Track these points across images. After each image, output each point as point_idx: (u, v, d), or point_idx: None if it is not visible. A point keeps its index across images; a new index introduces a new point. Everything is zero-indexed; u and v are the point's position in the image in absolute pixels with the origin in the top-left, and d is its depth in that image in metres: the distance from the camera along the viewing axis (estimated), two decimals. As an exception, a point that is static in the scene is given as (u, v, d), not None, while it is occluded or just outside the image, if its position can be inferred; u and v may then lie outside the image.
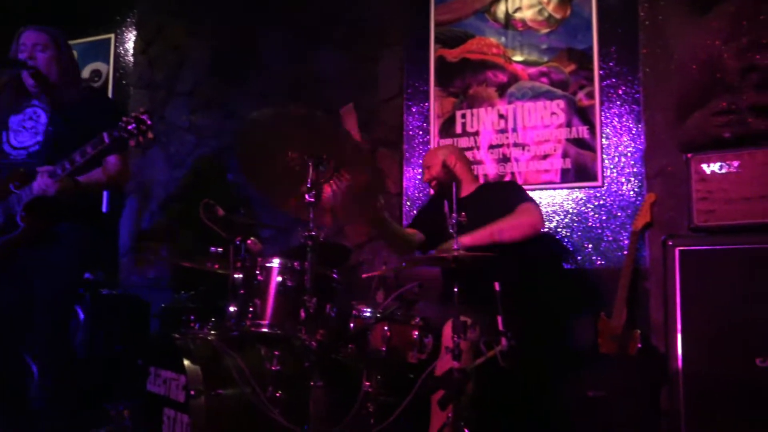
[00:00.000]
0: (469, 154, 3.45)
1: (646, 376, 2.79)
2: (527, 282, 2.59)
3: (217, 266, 2.70)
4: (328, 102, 4.00)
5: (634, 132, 3.27)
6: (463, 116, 3.66)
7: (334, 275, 2.55)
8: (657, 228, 3.00)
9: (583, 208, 3.34)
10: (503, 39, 3.62)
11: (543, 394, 2.75)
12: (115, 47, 4.66)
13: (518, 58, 3.57)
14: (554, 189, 3.41)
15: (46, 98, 2.63)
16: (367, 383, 2.50)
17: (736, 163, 2.68)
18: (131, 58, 4.64)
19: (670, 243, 2.66)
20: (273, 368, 2.34)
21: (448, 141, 3.65)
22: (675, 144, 2.98)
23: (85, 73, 4.63)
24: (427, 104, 3.76)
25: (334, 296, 2.54)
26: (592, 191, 3.33)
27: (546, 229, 3.39)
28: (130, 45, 4.65)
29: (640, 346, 2.84)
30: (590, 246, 3.30)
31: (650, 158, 3.14)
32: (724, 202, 2.67)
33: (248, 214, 2.81)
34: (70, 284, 2.61)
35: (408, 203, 3.75)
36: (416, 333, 2.46)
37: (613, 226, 3.26)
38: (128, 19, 4.67)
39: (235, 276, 2.47)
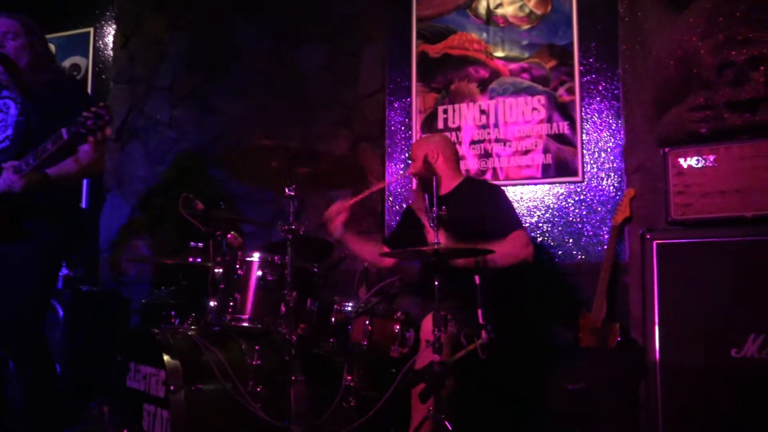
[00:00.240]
0: (451, 150, 3.45)
1: (625, 369, 2.81)
2: (507, 276, 2.60)
3: (198, 260, 2.68)
4: (308, 96, 3.99)
5: (613, 128, 3.30)
6: (445, 112, 3.67)
7: (315, 269, 2.55)
8: (636, 223, 3.03)
9: (564, 203, 3.37)
10: (485, 35, 3.63)
11: (523, 387, 2.77)
12: (95, 41, 4.60)
13: (499, 54, 3.59)
14: (535, 184, 3.43)
15: (16, 88, 2.56)
16: (349, 377, 2.51)
17: (712, 158, 2.72)
18: (111, 53, 4.58)
19: (648, 236, 2.69)
20: (254, 363, 2.34)
21: (431, 136, 3.65)
22: (653, 139, 3.01)
23: (64, 67, 4.56)
24: (409, 99, 3.77)
25: (315, 290, 2.54)
26: (572, 186, 3.36)
27: (527, 224, 3.42)
28: (109, 39, 4.60)
29: (619, 339, 2.87)
30: (571, 241, 3.32)
31: (630, 154, 3.17)
32: (701, 195, 2.71)
33: (229, 209, 2.79)
34: (42, 281, 2.53)
35: (390, 198, 3.76)
36: (398, 327, 2.47)
37: (594, 221, 3.29)
38: (107, 13, 4.61)
39: (216, 270, 2.46)
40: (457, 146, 3.57)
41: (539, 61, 3.50)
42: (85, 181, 4.36)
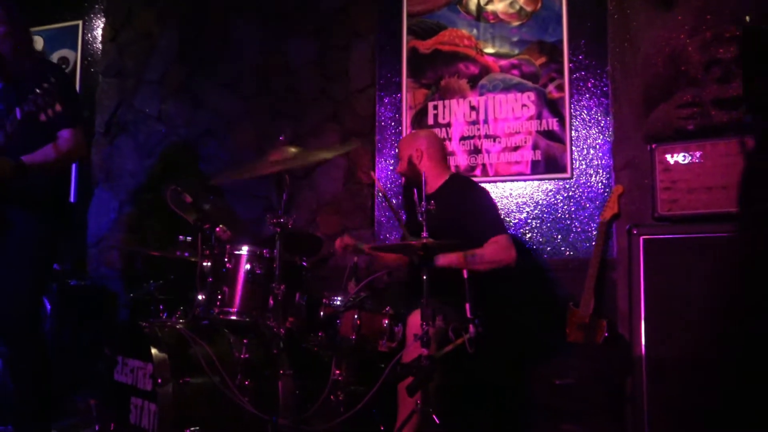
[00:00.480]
0: (440, 146, 3.45)
1: (612, 365, 2.84)
2: (495, 271, 2.61)
3: (186, 254, 2.67)
4: (298, 91, 3.98)
5: (602, 124, 3.32)
6: (435, 107, 3.68)
7: (304, 263, 2.55)
8: (625, 219, 3.05)
9: (553, 199, 3.38)
10: (475, 31, 3.64)
11: (510, 381, 2.78)
12: (83, 34, 4.56)
13: (490, 50, 3.59)
14: (524, 180, 3.45)
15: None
16: (337, 371, 2.52)
17: (698, 154, 2.74)
18: (100, 46, 4.55)
19: (635, 232, 2.71)
20: (242, 356, 2.34)
21: (421, 132, 3.66)
22: (642, 136, 3.03)
23: (53, 60, 4.52)
24: (399, 95, 3.77)
25: (303, 284, 2.54)
26: (561, 183, 3.38)
27: (516, 220, 3.43)
28: (98, 32, 4.56)
29: (607, 335, 2.88)
30: (559, 237, 3.34)
31: (618, 150, 3.19)
32: (687, 191, 2.73)
33: (218, 202, 2.78)
34: (30, 274, 2.51)
35: (380, 194, 3.76)
36: (386, 321, 2.48)
37: (582, 217, 3.31)
38: (97, 6, 4.58)
39: (204, 264, 2.45)
40: (447, 142, 3.59)
41: (529, 58, 3.51)
42: (73, 175, 4.34)
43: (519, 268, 3.30)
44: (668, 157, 2.79)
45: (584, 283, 2.98)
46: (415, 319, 2.35)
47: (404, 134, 3.70)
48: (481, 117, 3.57)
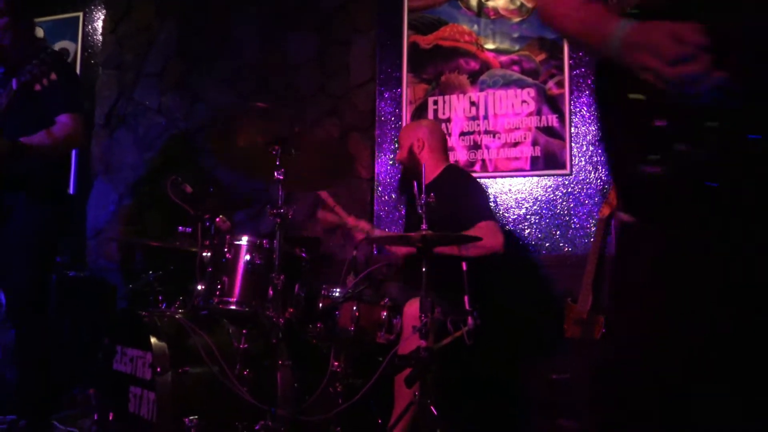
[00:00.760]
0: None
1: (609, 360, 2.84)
2: (490, 262, 2.62)
3: (185, 245, 2.67)
4: (298, 86, 3.99)
5: (601, 121, 3.33)
6: (435, 103, 3.69)
7: (303, 255, 2.56)
8: (623, 215, 3.05)
9: (552, 195, 3.39)
10: (475, 27, 3.64)
11: (507, 375, 2.79)
12: (84, 26, 4.55)
13: (490, 46, 3.60)
14: (524, 176, 3.46)
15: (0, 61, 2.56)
16: (335, 363, 2.53)
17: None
18: (100, 38, 4.55)
19: (633, 228, 2.71)
20: (241, 346, 2.34)
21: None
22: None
23: (53, 51, 4.52)
24: (399, 90, 3.78)
25: (303, 276, 2.55)
26: (560, 179, 3.39)
27: (515, 216, 3.44)
28: (98, 24, 4.56)
29: (604, 330, 2.89)
30: (558, 233, 3.35)
31: (617, 147, 3.19)
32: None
33: (218, 194, 2.79)
34: (34, 262, 2.53)
35: (380, 188, 3.77)
36: (384, 313, 2.49)
37: (581, 213, 3.32)
38: (97, -3, 4.58)
39: (204, 254, 2.45)
40: (447, 137, 3.59)
41: (529, 54, 3.52)
42: (73, 167, 4.34)
43: (517, 263, 3.32)
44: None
45: (582, 279, 2.99)
46: (412, 310, 2.36)
47: (404, 130, 3.70)
48: (481, 113, 3.58)
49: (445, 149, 3.05)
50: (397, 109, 3.77)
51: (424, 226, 2.26)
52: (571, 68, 3.42)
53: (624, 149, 1.06)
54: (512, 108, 3.52)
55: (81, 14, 4.55)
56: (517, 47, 3.54)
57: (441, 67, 3.69)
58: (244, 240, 2.42)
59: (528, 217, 3.42)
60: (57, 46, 4.55)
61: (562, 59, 3.44)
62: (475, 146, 3.58)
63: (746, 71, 0.91)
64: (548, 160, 3.41)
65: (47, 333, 2.57)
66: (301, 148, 2.38)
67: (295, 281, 2.47)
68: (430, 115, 3.68)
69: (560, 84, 3.43)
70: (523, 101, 3.50)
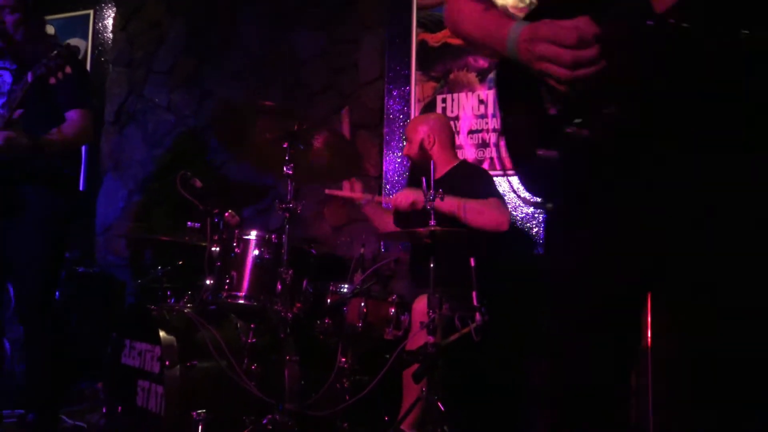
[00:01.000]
0: (449, 139, 3.46)
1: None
2: (500, 260, 2.62)
3: (194, 240, 2.69)
4: (306, 83, 3.99)
5: (610, 119, 3.31)
6: (444, 101, 3.68)
7: (312, 251, 2.56)
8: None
9: (560, 193, 3.38)
10: (485, 24, 3.63)
11: (515, 371, 2.79)
12: (94, 23, 4.58)
13: (499, 43, 3.59)
14: (532, 174, 3.44)
15: (11, 59, 2.57)
16: (343, 359, 2.53)
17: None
18: (110, 35, 4.57)
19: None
20: (249, 341, 2.35)
21: (429, 124, 3.66)
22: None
23: (63, 49, 4.56)
24: (408, 88, 3.77)
25: (311, 271, 2.55)
26: (569, 177, 3.37)
27: (523, 214, 3.43)
28: (109, 21, 4.58)
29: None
30: (566, 231, 3.34)
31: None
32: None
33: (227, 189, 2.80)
34: (46, 253, 2.54)
35: (388, 186, 3.77)
36: (392, 310, 2.49)
37: (589, 211, 3.30)
38: (107, -5, 4.61)
39: (213, 249, 2.46)
40: (455, 135, 3.58)
41: (538, 52, 3.50)
42: (82, 164, 4.37)
43: (525, 261, 3.31)
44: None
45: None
46: (420, 306, 2.36)
47: (413, 127, 3.70)
48: (490, 111, 3.57)
49: (454, 144, 3.05)
50: (406, 107, 3.77)
51: (432, 222, 2.26)
52: (580, 66, 3.40)
53: (522, 136, 1.15)
54: (521, 106, 3.51)
55: (91, 12, 4.58)
56: (526, 45, 3.53)
57: (449, 65, 3.68)
58: (252, 235, 2.42)
59: (536, 215, 3.41)
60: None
61: (570, 57, 3.43)
62: (484, 144, 3.57)
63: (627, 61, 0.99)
64: (557, 158, 3.40)
65: (55, 328, 2.58)
66: (310, 144, 2.39)
67: (304, 277, 2.47)
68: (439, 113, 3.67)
69: (569, 82, 3.42)
70: (532, 99, 3.49)
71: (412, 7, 3.78)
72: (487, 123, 3.57)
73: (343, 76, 3.93)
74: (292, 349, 2.36)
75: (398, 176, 3.74)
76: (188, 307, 2.48)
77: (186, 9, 4.36)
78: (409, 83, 3.77)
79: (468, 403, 2.59)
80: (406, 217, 2.80)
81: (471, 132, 3.60)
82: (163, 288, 2.97)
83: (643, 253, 1.09)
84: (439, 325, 2.21)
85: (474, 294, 2.25)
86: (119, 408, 2.45)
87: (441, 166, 2.87)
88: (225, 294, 2.37)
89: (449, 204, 2.50)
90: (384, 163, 3.78)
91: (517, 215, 3.43)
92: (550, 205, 1.25)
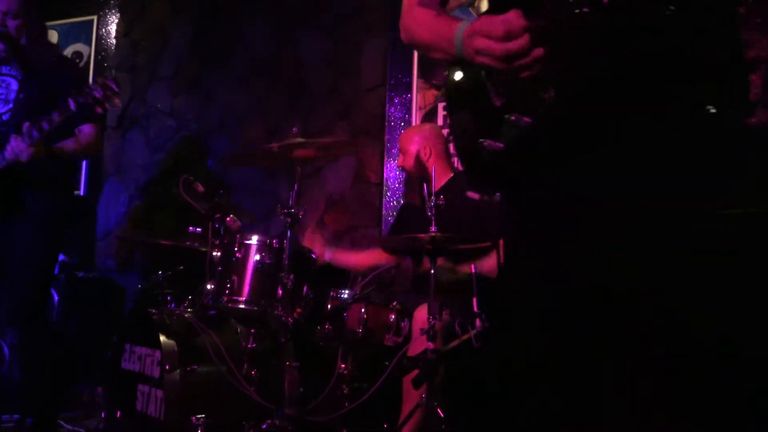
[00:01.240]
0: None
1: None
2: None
3: (195, 245, 2.69)
4: (309, 88, 4.01)
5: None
6: (445, 108, 3.69)
7: (313, 256, 2.56)
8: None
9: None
10: (486, 33, 3.65)
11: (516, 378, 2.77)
12: (98, 29, 4.61)
13: (500, 51, 3.60)
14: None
15: (17, 64, 2.58)
16: (342, 365, 2.52)
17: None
18: (113, 41, 4.60)
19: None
20: (249, 346, 2.35)
21: (430, 132, 3.66)
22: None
23: (66, 54, 4.57)
24: (409, 95, 3.78)
25: (311, 277, 2.55)
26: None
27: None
28: (112, 27, 4.61)
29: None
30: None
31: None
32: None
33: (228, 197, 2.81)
34: (42, 256, 2.56)
35: (388, 193, 3.77)
36: (393, 316, 2.49)
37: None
38: (111, 1, 4.63)
39: (214, 253, 2.47)
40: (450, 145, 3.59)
41: (539, 60, 3.51)
42: (84, 168, 4.38)
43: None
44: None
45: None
46: (421, 313, 2.36)
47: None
48: (491, 118, 3.58)
49: (449, 154, 3.02)
50: (407, 114, 3.78)
51: (433, 229, 2.26)
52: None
53: (470, 132, 1.19)
54: (522, 114, 3.51)
55: (95, 18, 4.61)
56: (527, 53, 3.54)
57: (451, 73, 3.69)
58: (254, 239, 2.42)
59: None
60: (71, 49, 4.61)
61: (571, 66, 3.44)
62: (485, 152, 3.58)
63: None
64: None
65: (48, 333, 2.57)
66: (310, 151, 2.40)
67: (304, 282, 2.47)
68: (440, 121, 3.68)
69: (570, 90, 3.43)
70: (533, 107, 3.49)
71: (414, 15, 3.79)
72: (488, 131, 3.58)
73: (345, 81, 3.95)
74: (292, 355, 2.36)
75: (399, 183, 3.75)
76: (189, 312, 2.49)
77: (189, 14, 4.38)
78: (410, 91, 3.78)
79: (468, 409, 2.58)
80: (405, 229, 2.80)
81: (472, 140, 3.61)
82: (163, 292, 2.97)
83: (589, 237, 1.10)
84: (439, 332, 2.21)
85: (474, 300, 2.25)
86: (118, 413, 2.44)
87: (438, 178, 2.83)
88: (226, 299, 2.37)
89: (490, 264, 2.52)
90: (385, 170, 3.78)
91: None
92: (496, 197, 1.28)
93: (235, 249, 2.41)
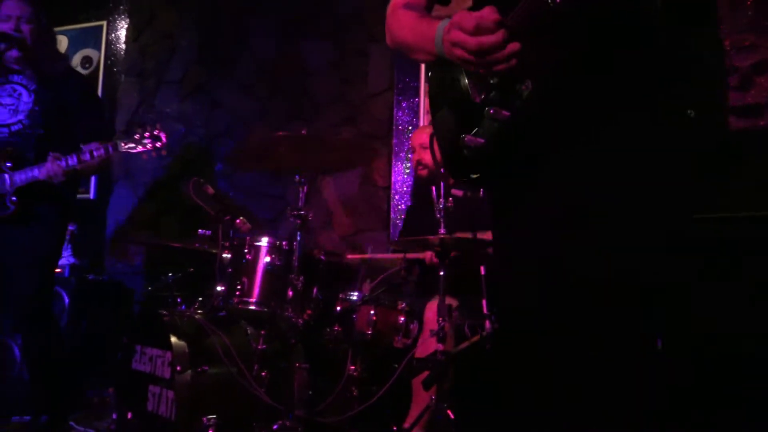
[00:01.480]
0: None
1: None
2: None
3: (205, 247, 2.71)
4: (315, 93, 4.03)
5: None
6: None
7: (322, 257, 2.58)
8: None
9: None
10: (493, 37, 3.66)
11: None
12: (107, 34, 4.64)
13: (507, 55, 3.62)
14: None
15: (31, 73, 2.60)
16: (352, 367, 2.53)
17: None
18: (123, 46, 4.63)
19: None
20: (259, 347, 2.36)
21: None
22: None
23: (76, 59, 4.62)
24: (417, 99, 3.80)
25: (321, 279, 2.56)
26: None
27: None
28: (122, 32, 4.65)
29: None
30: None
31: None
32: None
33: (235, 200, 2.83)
34: (48, 260, 2.61)
35: (396, 197, 3.79)
36: (402, 318, 2.49)
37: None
38: (121, 6, 4.67)
39: (224, 255, 2.48)
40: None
41: (547, 64, 3.53)
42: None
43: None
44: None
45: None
46: (431, 314, 2.36)
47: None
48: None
49: None
50: (415, 118, 3.79)
51: (442, 230, 2.27)
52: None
53: (451, 129, 1.20)
54: (529, 117, 3.52)
55: (105, 23, 4.64)
56: (534, 57, 3.56)
57: (458, 77, 3.71)
58: (264, 241, 2.44)
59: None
60: (80, 54, 4.65)
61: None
62: (492, 155, 3.59)
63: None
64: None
65: (55, 334, 2.60)
66: (320, 151, 2.41)
67: (314, 284, 2.48)
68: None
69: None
70: (540, 111, 3.50)
71: (421, 20, 3.81)
72: (495, 134, 3.59)
73: (351, 87, 3.97)
74: (302, 356, 2.37)
75: (407, 187, 3.76)
76: (199, 313, 2.50)
77: (197, 20, 4.42)
78: (418, 95, 3.80)
79: (478, 411, 2.58)
80: (414, 229, 2.81)
81: (479, 143, 3.62)
82: (173, 294, 2.99)
83: (573, 227, 1.09)
84: (448, 333, 2.22)
85: (484, 302, 2.26)
86: (129, 413, 2.45)
87: None
88: (236, 300, 2.39)
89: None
90: (393, 174, 3.80)
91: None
92: (473, 193, 1.29)
93: (245, 251, 2.43)
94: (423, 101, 3.77)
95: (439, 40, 1.13)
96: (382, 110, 3.88)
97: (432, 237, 2.28)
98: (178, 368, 2.20)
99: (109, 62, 4.62)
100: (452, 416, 2.18)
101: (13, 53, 2.56)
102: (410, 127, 3.80)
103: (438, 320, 2.20)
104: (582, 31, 1.04)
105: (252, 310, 2.40)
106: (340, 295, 2.55)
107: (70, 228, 3.62)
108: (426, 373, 2.17)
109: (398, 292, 2.71)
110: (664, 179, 1.04)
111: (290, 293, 2.23)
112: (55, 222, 2.59)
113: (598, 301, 1.04)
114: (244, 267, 2.43)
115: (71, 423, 2.87)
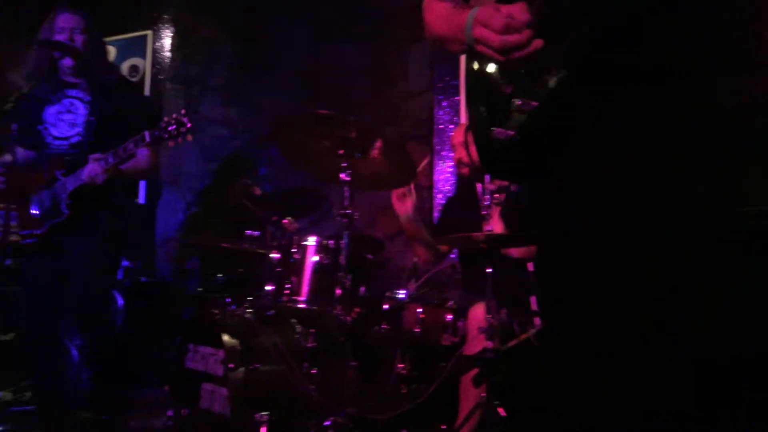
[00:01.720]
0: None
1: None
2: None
3: (254, 247, 2.75)
4: (354, 95, 4.06)
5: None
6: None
7: (369, 257, 2.59)
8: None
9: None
10: (534, 32, 3.63)
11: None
12: (153, 43, 4.77)
13: (549, 50, 3.58)
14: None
15: (86, 84, 2.68)
16: (401, 365, 2.54)
17: None
18: (168, 54, 4.75)
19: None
20: (308, 345, 2.39)
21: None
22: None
23: (124, 68, 4.76)
24: (457, 98, 3.80)
25: (368, 278, 2.58)
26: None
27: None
28: (166, 41, 4.77)
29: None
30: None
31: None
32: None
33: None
34: (106, 269, 2.69)
35: (439, 196, 3.79)
36: (450, 316, 2.49)
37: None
38: (165, 16, 4.79)
39: (272, 255, 2.52)
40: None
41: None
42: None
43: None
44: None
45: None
46: (477, 313, 2.35)
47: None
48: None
49: None
50: (455, 117, 3.79)
51: (488, 227, 2.27)
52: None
53: (484, 120, 1.17)
54: (572, 112, 3.48)
55: (150, 32, 4.77)
56: (576, 51, 3.51)
57: (498, 74, 3.68)
58: (311, 240, 2.47)
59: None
60: (128, 63, 4.78)
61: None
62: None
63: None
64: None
65: (112, 336, 2.68)
66: (367, 152, 2.43)
67: (361, 282, 2.50)
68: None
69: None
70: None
71: (460, 18, 3.81)
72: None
73: (391, 87, 3.99)
74: (350, 354, 2.38)
75: (450, 185, 3.76)
76: (249, 313, 2.55)
77: (238, 28, 4.51)
78: (458, 93, 3.79)
79: (530, 409, 2.56)
80: (454, 226, 2.80)
81: (522, 139, 3.59)
82: (223, 295, 3.05)
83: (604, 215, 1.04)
84: (497, 331, 2.21)
85: (532, 299, 2.24)
86: (184, 411, 2.52)
87: None
88: (285, 299, 2.42)
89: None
90: (435, 173, 3.80)
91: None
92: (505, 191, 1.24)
93: (293, 250, 2.46)
94: (463, 99, 3.76)
95: (468, 29, 1.11)
96: (423, 110, 3.89)
97: (476, 234, 2.27)
98: (231, 366, 2.24)
99: (155, 70, 4.75)
100: (503, 414, 2.16)
101: (67, 62, 2.64)
102: (451, 126, 3.79)
103: (487, 317, 2.19)
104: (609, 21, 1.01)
105: (301, 308, 2.43)
106: (387, 294, 2.57)
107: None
108: (474, 371, 2.16)
109: (443, 290, 2.71)
110: (700, 170, 0.97)
111: (338, 292, 2.25)
112: (111, 229, 2.67)
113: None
114: (292, 266, 2.46)
115: (128, 422, 2.95)
